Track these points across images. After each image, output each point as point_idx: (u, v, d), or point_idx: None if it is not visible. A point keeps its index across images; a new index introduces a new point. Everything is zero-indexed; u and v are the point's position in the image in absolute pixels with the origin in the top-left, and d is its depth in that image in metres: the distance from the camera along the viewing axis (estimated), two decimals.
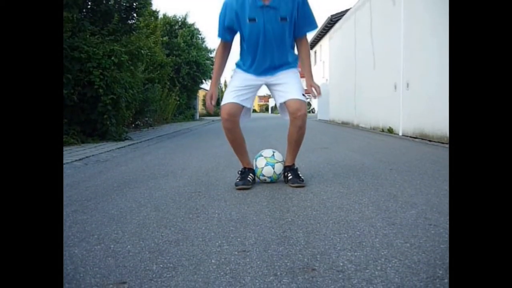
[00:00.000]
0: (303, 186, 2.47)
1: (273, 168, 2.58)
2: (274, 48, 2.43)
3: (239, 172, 2.62)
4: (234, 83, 2.54)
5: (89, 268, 1.28)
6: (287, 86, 2.47)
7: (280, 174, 2.62)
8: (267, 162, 2.59)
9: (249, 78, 2.52)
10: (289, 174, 2.56)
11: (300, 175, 2.58)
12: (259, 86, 2.59)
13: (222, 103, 2.47)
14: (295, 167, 2.61)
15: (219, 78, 2.68)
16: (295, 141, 2.55)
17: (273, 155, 2.63)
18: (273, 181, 2.62)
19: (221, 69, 2.64)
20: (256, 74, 2.52)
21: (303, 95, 2.46)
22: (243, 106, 2.49)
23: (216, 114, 33.15)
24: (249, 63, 2.51)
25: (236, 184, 2.50)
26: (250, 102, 2.56)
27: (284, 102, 2.45)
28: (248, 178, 2.53)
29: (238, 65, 2.60)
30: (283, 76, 2.50)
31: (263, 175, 2.60)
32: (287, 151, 2.62)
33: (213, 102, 2.53)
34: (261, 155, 2.64)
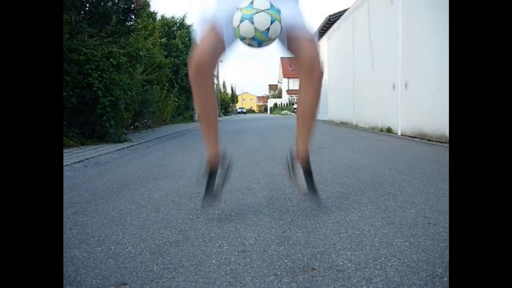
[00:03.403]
0: (318, 203, 1.84)
1: (252, 23, 1.57)
2: None
3: (202, 175, 1.85)
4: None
5: (90, 269, 1.29)
6: (290, 7, 1.70)
7: (267, 30, 1.59)
8: (243, 15, 1.60)
9: None
10: (302, 173, 1.81)
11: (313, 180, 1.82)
12: None
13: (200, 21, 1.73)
14: (310, 165, 1.80)
15: None
16: (310, 108, 1.74)
17: (251, 2, 1.61)
18: (261, 43, 1.64)
19: None
20: None
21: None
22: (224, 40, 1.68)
23: None
24: None
25: (202, 205, 1.85)
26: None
27: (293, 36, 1.69)
28: (215, 191, 1.78)
29: None
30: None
31: (243, 38, 1.62)
32: (297, 133, 1.83)
33: None
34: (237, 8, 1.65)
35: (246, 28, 1.59)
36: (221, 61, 1.84)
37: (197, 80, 1.72)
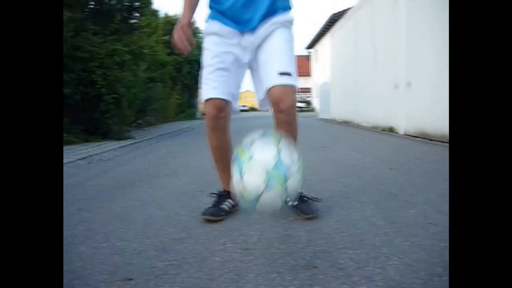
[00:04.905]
0: (314, 217, 1.77)
1: (240, 175, 1.30)
2: None
3: (213, 194, 1.92)
4: (209, 58, 1.75)
5: (96, 265, 1.31)
6: (269, 63, 1.72)
7: (256, 196, 1.28)
8: (237, 161, 1.35)
9: (227, 38, 1.73)
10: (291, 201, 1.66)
11: (307, 197, 1.85)
12: (243, 53, 1.76)
13: (204, 97, 1.76)
14: None
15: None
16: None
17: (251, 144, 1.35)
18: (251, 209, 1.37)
19: None
20: (236, 22, 1.71)
21: (288, 74, 1.68)
22: (228, 101, 1.75)
23: None
24: None
25: (204, 213, 1.79)
26: (235, 86, 1.79)
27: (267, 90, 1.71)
28: (223, 206, 1.83)
29: (210, 10, 1.79)
30: (269, 41, 1.72)
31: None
32: None
33: (190, 39, 1.68)
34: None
35: (236, 183, 1.34)
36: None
37: (212, 133, 1.83)
